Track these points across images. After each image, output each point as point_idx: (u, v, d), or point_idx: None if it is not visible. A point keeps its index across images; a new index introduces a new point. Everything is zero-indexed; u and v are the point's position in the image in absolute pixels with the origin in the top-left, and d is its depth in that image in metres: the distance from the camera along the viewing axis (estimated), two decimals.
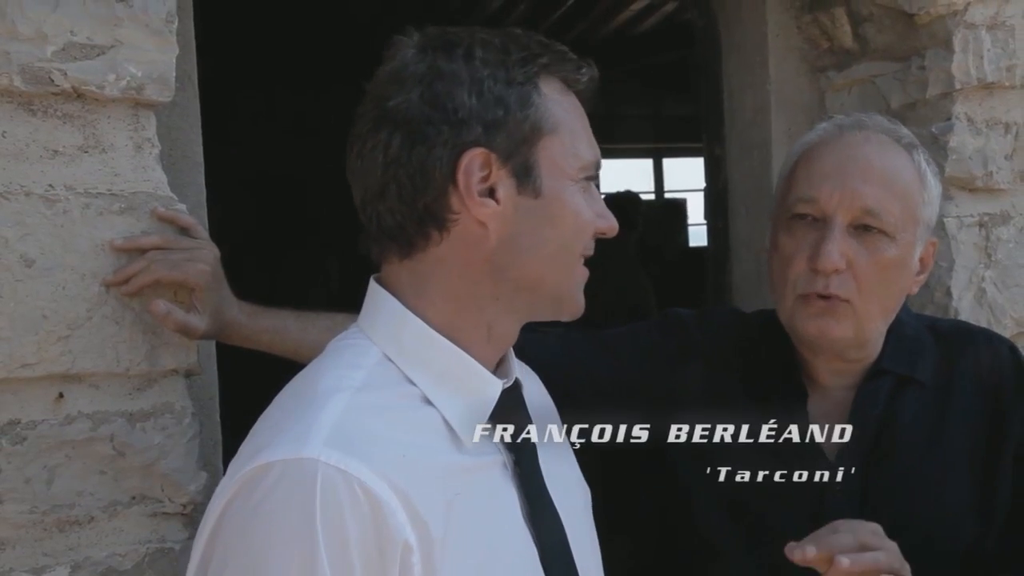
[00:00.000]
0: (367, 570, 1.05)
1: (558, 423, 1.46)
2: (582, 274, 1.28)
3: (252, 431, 1.17)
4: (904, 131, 1.64)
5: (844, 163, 1.56)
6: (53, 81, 1.57)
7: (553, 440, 1.38)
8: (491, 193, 1.18)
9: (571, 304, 1.28)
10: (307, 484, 1.04)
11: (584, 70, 1.25)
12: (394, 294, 1.23)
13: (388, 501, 1.07)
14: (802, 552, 1.33)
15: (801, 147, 1.66)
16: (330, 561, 1.03)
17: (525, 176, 1.19)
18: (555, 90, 1.22)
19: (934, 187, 1.60)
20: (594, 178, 1.26)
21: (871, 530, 1.39)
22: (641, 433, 1.73)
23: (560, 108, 1.22)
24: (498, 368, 1.27)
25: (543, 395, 1.46)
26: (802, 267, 1.55)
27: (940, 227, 2.33)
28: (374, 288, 1.26)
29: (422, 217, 1.18)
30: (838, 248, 1.52)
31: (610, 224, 1.28)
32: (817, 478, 1.59)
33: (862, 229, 1.54)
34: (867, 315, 1.56)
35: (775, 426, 1.64)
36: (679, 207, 7.92)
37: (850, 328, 1.55)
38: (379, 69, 1.23)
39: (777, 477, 1.62)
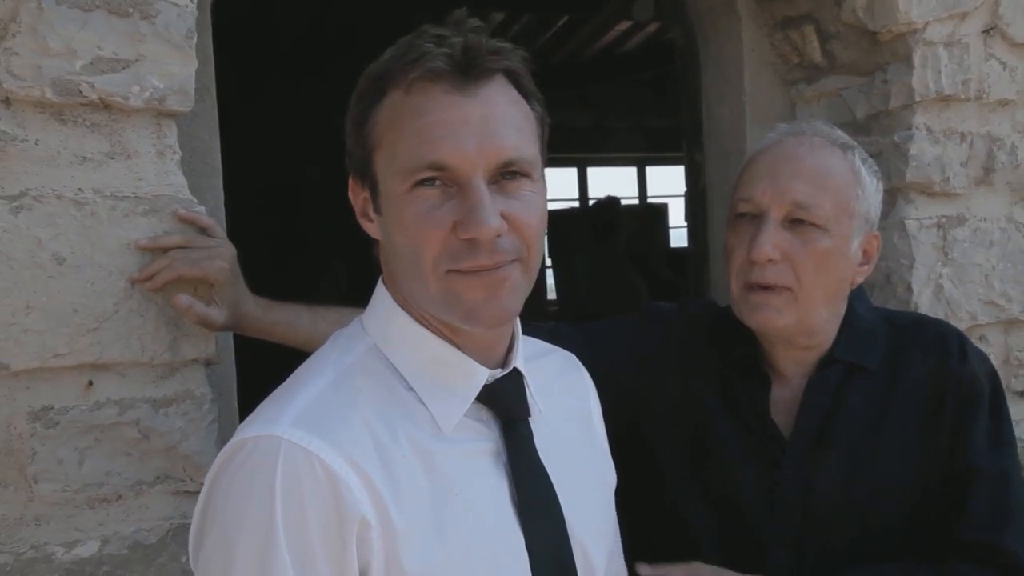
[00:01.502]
0: (325, 540, 1.06)
1: (588, 413, 1.42)
2: (459, 283, 1.13)
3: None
4: (840, 134, 1.65)
5: (777, 163, 1.58)
6: (82, 93, 1.58)
7: (570, 425, 1.35)
8: (367, 213, 1.22)
9: (456, 314, 1.15)
10: (270, 458, 1.06)
11: (429, 58, 1.10)
12: (392, 291, 1.24)
13: (346, 478, 1.07)
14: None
15: (748, 155, 1.68)
16: (286, 530, 1.04)
17: (376, 193, 1.19)
18: (394, 100, 1.14)
19: (870, 183, 1.61)
20: (432, 180, 1.11)
21: None
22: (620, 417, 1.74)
23: (387, 119, 1.14)
24: (496, 358, 1.24)
25: (582, 387, 1.44)
26: (743, 258, 1.58)
27: (901, 228, 2.34)
28: (378, 287, 1.27)
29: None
30: (771, 240, 1.54)
31: (470, 230, 1.10)
32: (774, 460, 1.61)
33: (796, 223, 1.55)
34: (809, 303, 1.57)
35: (740, 411, 1.65)
36: (660, 210, 7.91)
37: (792, 315, 1.56)
38: None
39: (741, 458, 1.63)
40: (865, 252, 1.63)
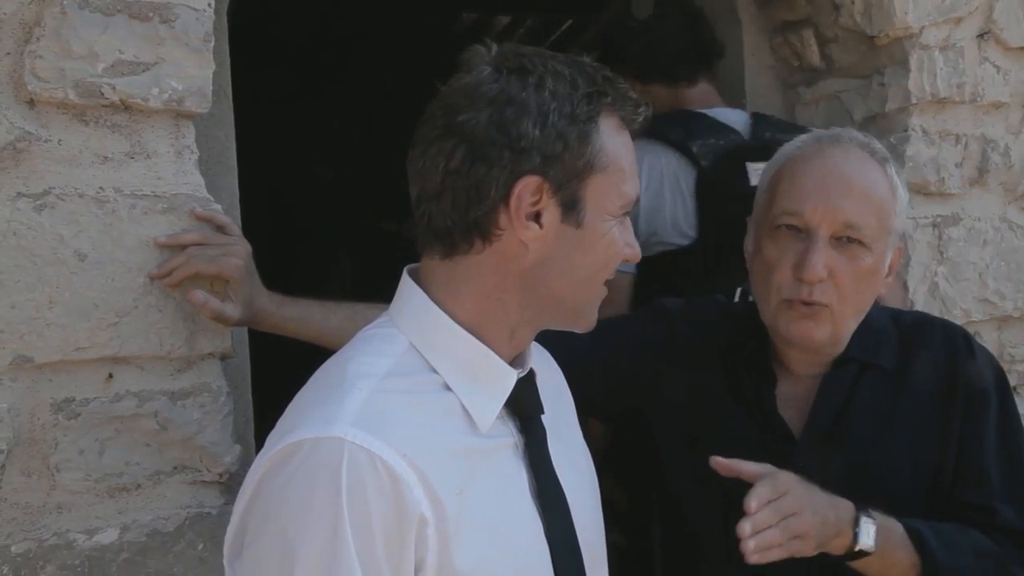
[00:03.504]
0: (388, 540, 1.05)
1: (569, 405, 1.45)
2: (600, 294, 1.27)
3: (286, 411, 1.17)
4: (877, 145, 1.62)
5: (826, 179, 1.54)
6: (103, 94, 1.59)
7: (562, 421, 1.37)
8: (537, 217, 1.16)
9: (586, 320, 1.28)
10: (334, 461, 1.04)
11: (641, 109, 1.22)
12: (425, 288, 1.22)
13: (407, 478, 1.07)
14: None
15: (783, 159, 1.63)
16: (353, 531, 1.03)
17: (571, 207, 1.17)
18: (612, 127, 1.19)
19: (903, 197, 1.59)
20: (630, 213, 1.25)
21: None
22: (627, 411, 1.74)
23: (614, 147, 1.19)
24: (516, 359, 1.26)
25: (557, 379, 1.45)
26: (787, 275, 1.54)
27: None
28: (406, 281, 1.25)
29: (470, 227, 1.16)
30: (823, 260, 1.51)
31: (635, 252, 1.26)
32: (782, 456, 1.60)
33: (843, 241, 1.53)
34: (843, 318, 1.55)
35: (748, 407, 1.65)
36: None
37: (828, 329, 1.55)
38: (454, 78, 1.20)
39: (749, 454, 1.63)
40: (890, 265, 1.62)
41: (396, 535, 1.06)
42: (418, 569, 1.08)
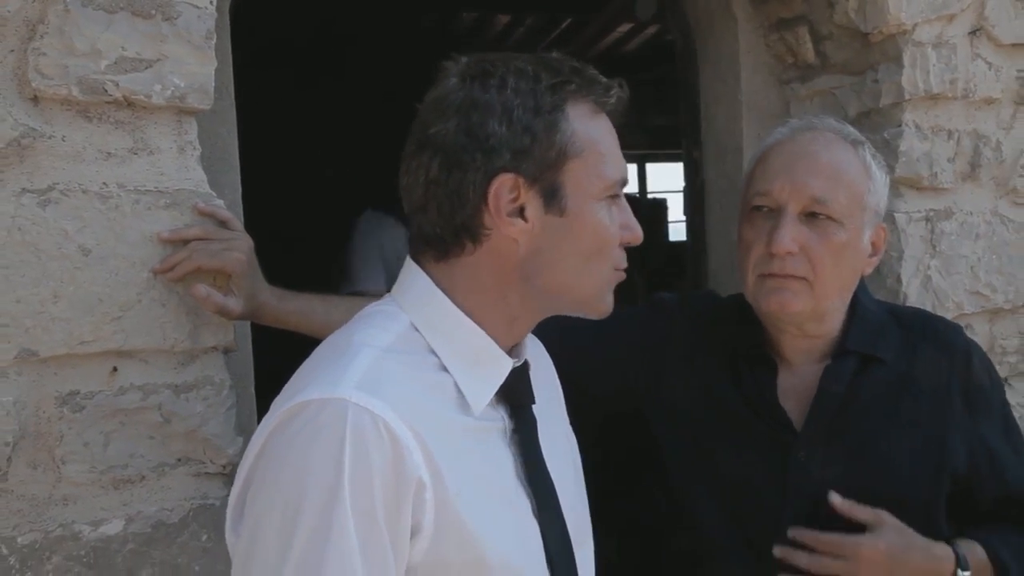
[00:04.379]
0: (386, 497, 1.07)
1: (559, 396, 1.46)
2: (609, 279, 1.27)
3: (292, 378, 1.18)
4: (850, 129, 1.65)
5: (794, 159, 1.58)
6: (106, 91, 1.59)
7: (552, 411, 1.39)
8: (521, 212, 1.18)
9: (597, 306, 1.28)
10: (339, 420, 1.06)
11: (613, 91, 1.24)
12: (427, 273, 1.24)
13: (407, 441, 1.08)
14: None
15: (760, 149, 1.67)
16: (353, 489, 1.05)
17: (551, 197, 1.19)
18: (584, 113, 1.21)
19: (879, 178, 1.61)
20: (618, 195, 1.25)
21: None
22: (627, 406, 1.74)
23: (586, 131, 1.20)
24: (512, 349, 1.28)
25: (550, 370, 1.46)
26: (761, 251, 1.57)
27: (891, 221, 2.35)
28: (409, 264, 1.27)
29: (458, 230, 1.19)
30: (789, 234, 1.53)
31: (635, 234, 1.27)
32: (783, 447, 1.60)
33: (812, 216, 1.55)
34: (824, 292, 1.57)
35: (748, 398, 1.65)
36: (661, 205, 7.88)
37: (808, 302, 1.56)
38: (427, 94, 1.23)
39: (751, 443, 1.63)
40: (874, 244, 1.63)
41: (394, 496, 1.07)
42: (414, 532, 1.10)
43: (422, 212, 1.21)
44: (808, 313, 1.58)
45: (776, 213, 1.57)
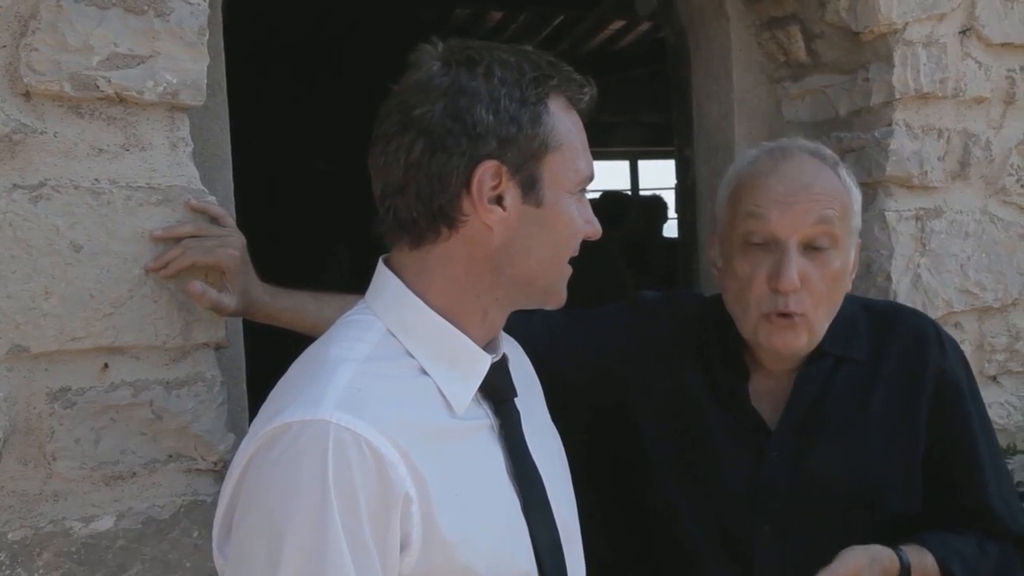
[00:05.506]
0: (372, 516, 1.06)
1: (539, 391, 1.46)
2: (567, 271, 1.28)
3: (271, 395, 1.17)
4: (826, 151, 1.63)
5: (788, 191, 1.55)
6: (98, 87, 1.57)
7: (533, 406, 1.39)
8: (499, 200, 1.18)
9: (556, 296, 1.29)
10: (320, 442, 1.05)
11: (586, 89, 1.25)
12: (399, 276, 1.23)
13: (390, 457, 1.08)
14: None
15: (739, 175, 1.63)
16: (339, 508, 1.04)
17: (530, 187, 1.19)
18: (560, 108, 1.22)
19: (858, 196, 1.61)
20: (585, 190, 1.26)
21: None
22: (609, 402, 1.74)
23: (564, 126, 1.21)
24: (488, 345, 1.27)
25: (527, 366, 1.46)
26: (763, 288, 1.54)
27: (881, 219, 2.35)
28: (381, 269, 1.26)
29: (435, 215, 1.18)
30: (797, 269, 1.51)
31: (595, 228, 1.28)
32: (757, 446, 1.61)
33: (812, 248, 1.54)
34: (818, 321, 1.56)
35: (724, 401, 1.65)
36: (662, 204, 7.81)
37: (806, 336, 1.56)
38: (405, 76, 1.21)
39: (724, 444, 1.64)
40: (852, 262, 1.62)
41: (382, 514, 1.07)
42: (403, 546, 1.09)
43: (399, 194, 1.19)
44: (805, 346, 1.58)
45: (775, 246, 1.54)
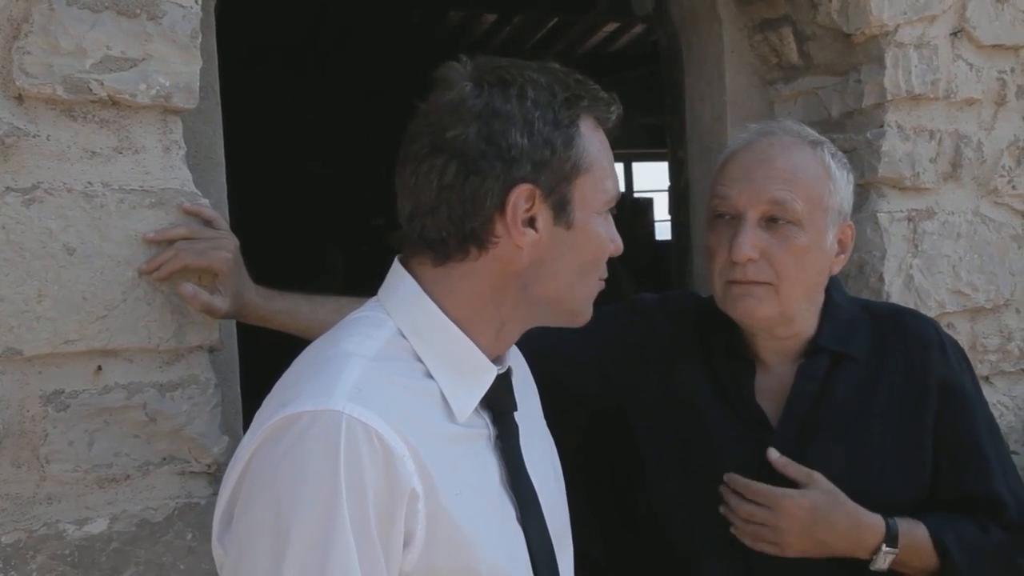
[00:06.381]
0: (379, 510, 1.06)
1: (536, 398, 1.46)
2: (595, 289, 1.29)
3: (274, 390, 1.16)
4: (809, 131, 1.65)
5: (751, 165, 1.58)
6: (91, 90, 1.57)
7: (530, 413, 1.38)
8: (531, 223, 1.18)
9: (582, 315, 1.29)
10: (332, 432, 1.05)
11: (613, 108, 1.25)
12: (416, 277, 1.22)
13: (400, 452, 1.07)
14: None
15: (721, 157, 1.67)
16: (349, 499, 1.04)
17: (561, 209, 1.19)
18: (590, 128, 1.22)
19: (840, 177, 1.61)
20: (613, 209, 1.27)
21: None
22: (608, 405, 1.74)
23: (594, 147, 1.22)
24: (496, 357, 1.27)
25: (525, 372, 1.46)
26: (724, 258, 1.57)
27: (874, 221, 2.35)
28: (397, 268, 1.25)
29: (466, 236, 1.18)
30: (749, 241, 1.54)
31: (618, 246, 1.29)
32: (759, 444, 1.61)
33: (772, 221, 1.55)
34: (789, 295, 1.57)
35: (727, 397, 1.65)
36: (646, 206, 7.82)
37: (774, 307, 1.57)
38: (433, 94, 1.20)
39: (724, 442, 1.64)
40: (840, 242, 1.63)
41: (388, 508, 1.07)
42: (407, 542, 1.09)
43: (429, 215, 1.18)
44: (775, 317, 1.59)
45: (737, 220, 1.57)
